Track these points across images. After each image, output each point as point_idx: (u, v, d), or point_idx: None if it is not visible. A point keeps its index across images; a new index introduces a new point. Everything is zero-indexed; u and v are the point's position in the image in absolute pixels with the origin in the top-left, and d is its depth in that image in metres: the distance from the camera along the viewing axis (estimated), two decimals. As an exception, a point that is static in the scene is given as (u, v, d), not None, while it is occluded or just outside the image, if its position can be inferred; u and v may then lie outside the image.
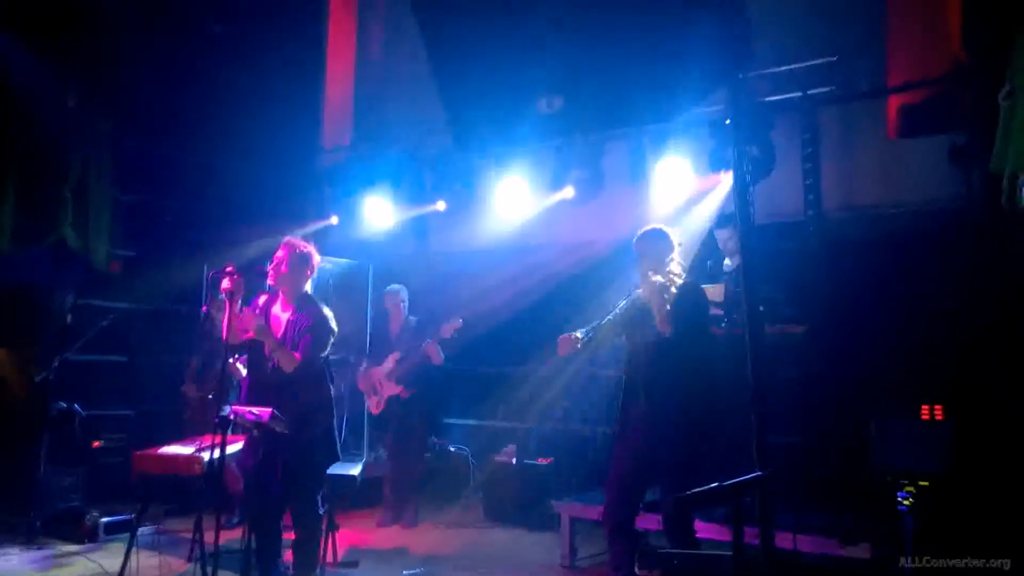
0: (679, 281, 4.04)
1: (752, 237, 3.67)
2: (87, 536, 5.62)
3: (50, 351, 6.17)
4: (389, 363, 6.40)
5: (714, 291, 5.20)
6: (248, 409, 3.96)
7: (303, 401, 4.18)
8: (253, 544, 4.07)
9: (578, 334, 4.03)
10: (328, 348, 4.28)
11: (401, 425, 6.43)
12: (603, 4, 3.37)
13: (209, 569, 3.81)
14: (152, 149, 7.20)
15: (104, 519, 5.71)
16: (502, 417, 7.41)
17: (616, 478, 4.10)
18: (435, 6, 3.56)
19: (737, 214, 3.73)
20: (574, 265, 6.69)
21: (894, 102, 5.61)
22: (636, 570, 4.04)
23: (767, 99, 5.45)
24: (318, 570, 4.40)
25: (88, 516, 5.70)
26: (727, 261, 5.55)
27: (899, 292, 5.44)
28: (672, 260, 4.10)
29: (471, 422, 7.79)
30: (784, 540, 3.76)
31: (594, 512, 4.85)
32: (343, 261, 7.54)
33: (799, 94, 5.33)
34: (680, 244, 4.23)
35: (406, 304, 6.63)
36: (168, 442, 4.64)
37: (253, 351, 4.29)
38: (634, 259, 4.18)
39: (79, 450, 6.27)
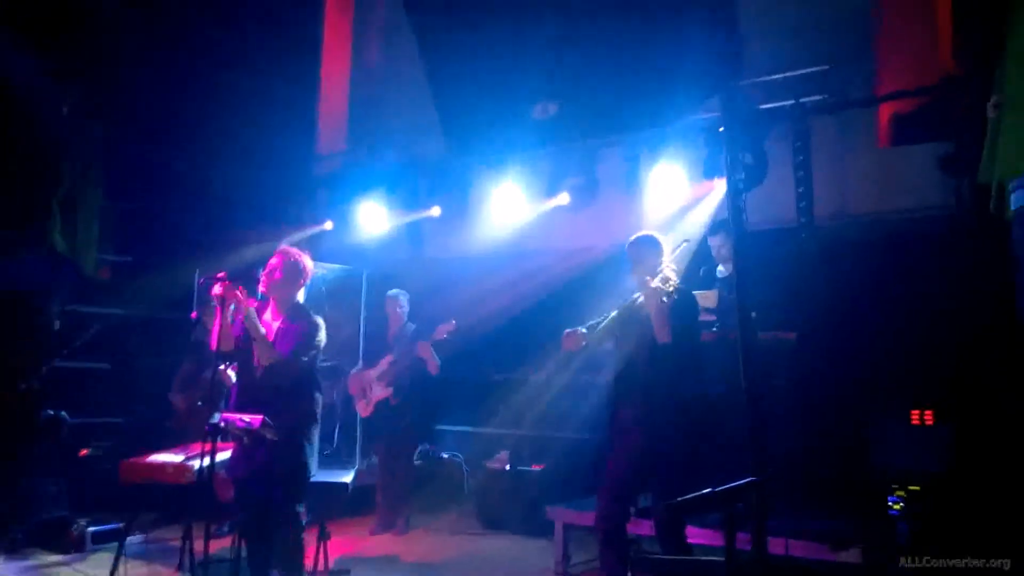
0: (672, 287, 4.05)
1: (745, 244, 3.69)
2: (74, 546, 5.52)
3: (38, 358, 6.12)
4: (382, 365, 6.39)
5: (707, 297, 5.22)
6: (239, 416, 3.93)
7: (293, 409, 4.16)
8: (243, 552, 4.04)
9: (582, 330, 4.07)
10: (312, 355, 4.24)
11: (391, 431, 6.41)
12: (598, 12, 3.38)
13: (199, 578, 3.78)
14: (144, 155, 7.17)
15: (91, 528, 5.60)
16: (495, 423, 7.40)
17: (608, 484, 4.09)
18: (430, 13, 3.57)
19: (730, 221, 3.74)
20: (569, 271, 6.70)
21: (885, 111, 5.66)
22: (629, 576, 4.04)
23: (760, 107, 5.47)
24: (305, 577, 4.37)
25: (75, 525, 5.60)
26: (720, 268, 5.57)
27: (891, 298, 5.48)
28: (666, 266, 4.11)
29: (464, 428, 7.77)
30: (777, 545, 3.76)
31: (587, 518, 4.83)
32: (337, 267, 7.53)
33: (792, 102, 5.35)
34: (687, 240, 4.33)
35: (405, 310, 6.61)
36: (157, 450, 4.60)
37: (243, 358, 4.27)
38: (628, 265, 4.20)
39: (66, 458, 6.20)
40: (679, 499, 2.73)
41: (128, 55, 6.78)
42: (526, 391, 7.10)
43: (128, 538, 4.37)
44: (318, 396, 4.33)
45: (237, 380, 4.40)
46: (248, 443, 4.09)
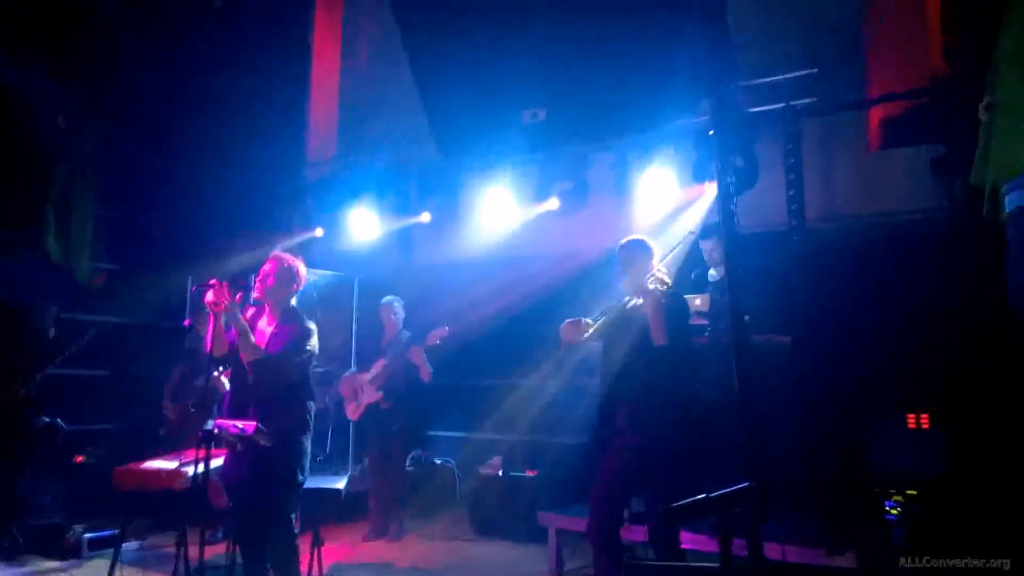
0: (665, 290, 4.06)
1: (736, 247, 3.69)
2: (70, 552, 5.52)
3: (33, 365, 6.10)
4: (375, 368, 6.38)
5: (700, 301, 5.22)
6: (232, 423, 3.93)
7: (286, 415, 4.15)
8: (238, 559, 4.02)
9: (587, 320, 4.07)
10: (304, 358, 4.23)
11: (382, 437, 6.39)
12: (587, 16, 3.39)
13: (194, 584, 3.76)
14: (136, 162, 7.17)
15: (87, 535, 5.61)
16: (488, 429, 7.38)
17: (600, 489, 4.08)
18: (419, 18, 3.57)
19: (721, 224, 3.74)
20: (560, 276, 6.69)
21: (876, 114, 5.67)
22: (622, 581, 4.03)
23: (751, 110, 5.49)
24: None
25: (71, 532, 5.60)
26: (712, 271, 5.58)
27: (883, 300, 5.48)
28: (659, 269, 4.12)
29: (457, 434, 7.76)
30: (773, 550, 3.75)
31: (581, 524, 4.81)
32: (328, 273, 7.52)
33: (782, 105, 5.37)
34: (692, 232, 4.38)
35: (400, 316, 6.61)
36: (151, 457, 4.59)
37: (237, 363, 4.26)
38: (619, 270, 4.20)
39: (62, 465, 6.18)
40: (674, 505, 2.72)
41: (117, 63, 6.77)
42: (518, 396, 7.10)
43: (124, 545, 4.35)
44: (311, 404, 4.33)
45: (230, 386, 4.40)
46: (241, 449, 4.08)
